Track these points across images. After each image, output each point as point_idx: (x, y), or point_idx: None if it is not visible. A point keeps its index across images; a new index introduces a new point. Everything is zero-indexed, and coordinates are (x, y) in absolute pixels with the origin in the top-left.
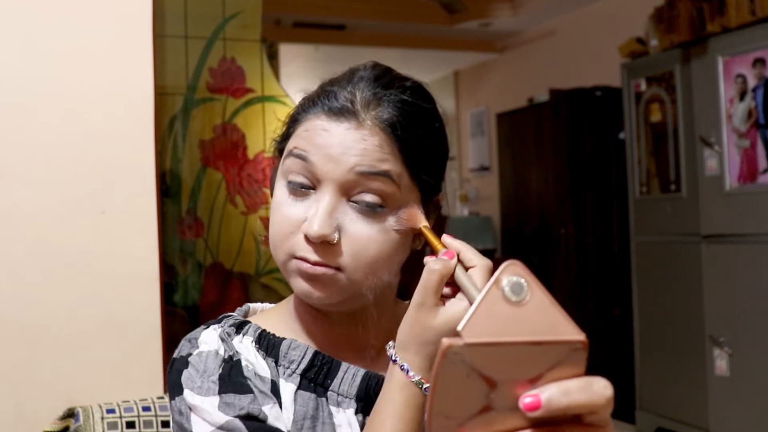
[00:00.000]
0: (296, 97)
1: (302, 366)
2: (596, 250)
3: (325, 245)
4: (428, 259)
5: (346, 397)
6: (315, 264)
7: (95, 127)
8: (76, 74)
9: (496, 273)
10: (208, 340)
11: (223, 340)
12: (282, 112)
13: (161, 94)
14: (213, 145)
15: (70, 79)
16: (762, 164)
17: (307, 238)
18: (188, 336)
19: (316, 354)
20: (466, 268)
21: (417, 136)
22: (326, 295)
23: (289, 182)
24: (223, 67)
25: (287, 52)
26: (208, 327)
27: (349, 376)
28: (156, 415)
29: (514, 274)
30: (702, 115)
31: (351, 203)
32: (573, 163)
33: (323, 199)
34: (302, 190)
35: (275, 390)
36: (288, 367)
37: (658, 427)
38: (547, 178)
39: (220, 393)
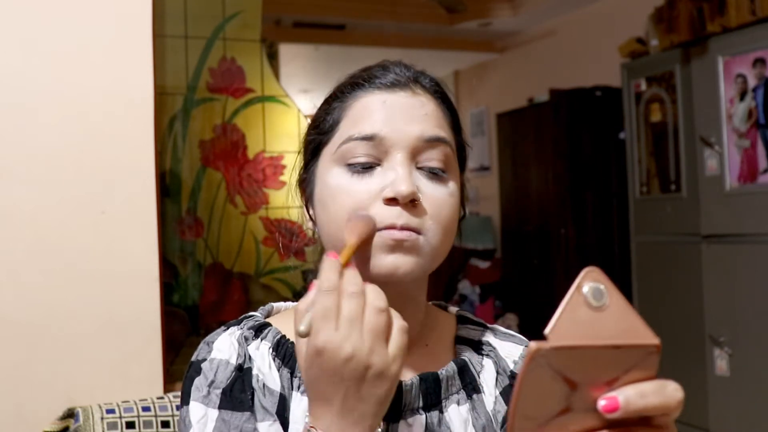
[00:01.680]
0: (296, 97)
1: None
2: (596, 250)
3: (409, 207)
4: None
5: None
6: (403, 228)
7: (95, 127)
8: (76, 74)
9: (578, 279)
10: (222, 346)
11: (238, 344)
12: (282, 112)
13: (161, 94)
14: (213, 145)
15: (70, 79)
16: (762, 164)
17: (389, 203)
18: (207, 338)
19: None
20: None
21: (454, 109)
22: (410, 265)
23: (351, 165)
24: (223, 67)
25: (287, 52)
26: (228, 328)
27: None
28: (156, 415)
29: (594, 280)
30: (702, 115)
31: (419, 169)
32: (573, 163)
33: (398, 164)
34: (367, 168)
35: (283, 404)
36: None
37: None
38: (547, 178)
39: (220, 408)
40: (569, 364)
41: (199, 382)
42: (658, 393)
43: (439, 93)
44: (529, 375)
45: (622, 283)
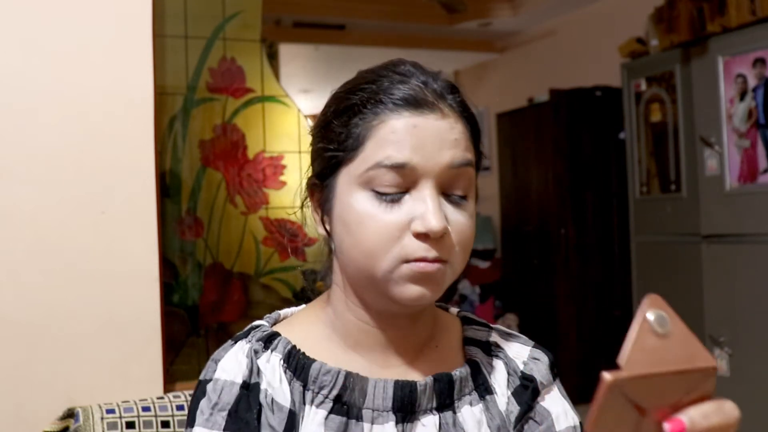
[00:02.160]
0: (296, 97)
1: (334, 392)
2: (596, 250)
3: (439, 240)
4: None
5: (383, 411)
6: (433, 261)
7: (95, 127)
8: (76, 74)
9: (642, 307)
10: (228, 365)
11: (248, 358)
12: (282, 112)
13: (161, 94)
14: (213, 145)
15: (70, 80)
16: (762, 164)
17: (419, 237)
18: (214, 355)
19: (347, 376)
20: None
21: (476, 122)
22: (433, 293)
23: (379, 192)
24: (223, 67)
25: (287, 52)
26: (235, 343)
27: (380, 389)
28: (156, 415)
29: (657, 307)
30: (702, 115)
31: (444, 195)
32: (573, 163)
33: (427, 195)
34: (396, 196)
35: (292, 420)
36: (318, 393)
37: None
38: (547, 178)
39: (224, 429)
40: (640, 391)
41: (203, 404)
42: (718, 412)
43: (464, 109)
44: (604, 405)
45: (622, 283)
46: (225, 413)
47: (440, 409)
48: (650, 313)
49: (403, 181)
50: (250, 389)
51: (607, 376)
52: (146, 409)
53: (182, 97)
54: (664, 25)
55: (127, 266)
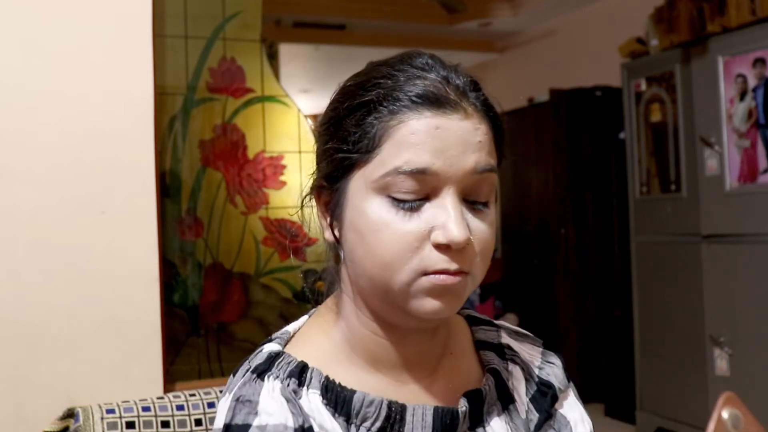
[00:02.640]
0: (296, 97)
1: (377, 424)
2: (596, 250)
3: (461, 251)
4: None
5: None
6: (455, 273)
7: (95, 127)
8: (76, 74)
9: (719, 405)
10: (272, 408)
11: (288, 400)
12: (282, 112)
13: (161, 94)
14: (213, 145)
15: (70, 80)
16: (762, 164)
17: (440, 248)
18: (238, 393)
19: (390, 406)
20: None
21: (500, 121)
22: (453, 307)
23: (397, 199)
24: (223, 67)
25: (287, 52)
26: (259, 376)
27: (419, 417)
28: (156, 416)
29: (732, 406)
30: (702, 115)
31: (466, 202)
32: (573, 163)
33: (449, 203)
34: (416, 203)
35: None
36: (360, 425)
37: (658, 427)
38: (547, 178)
39: None
40: None
41: None
42: None
43: (488, 108)
44: None
45: (622, 283)
46: None
47: (472, 427)
48: (725, 411)
49: (423, 187)
50: None
51: None
52: (146, 409)
53: (182, 97)
54: (664, 25)
55: (127, 266)
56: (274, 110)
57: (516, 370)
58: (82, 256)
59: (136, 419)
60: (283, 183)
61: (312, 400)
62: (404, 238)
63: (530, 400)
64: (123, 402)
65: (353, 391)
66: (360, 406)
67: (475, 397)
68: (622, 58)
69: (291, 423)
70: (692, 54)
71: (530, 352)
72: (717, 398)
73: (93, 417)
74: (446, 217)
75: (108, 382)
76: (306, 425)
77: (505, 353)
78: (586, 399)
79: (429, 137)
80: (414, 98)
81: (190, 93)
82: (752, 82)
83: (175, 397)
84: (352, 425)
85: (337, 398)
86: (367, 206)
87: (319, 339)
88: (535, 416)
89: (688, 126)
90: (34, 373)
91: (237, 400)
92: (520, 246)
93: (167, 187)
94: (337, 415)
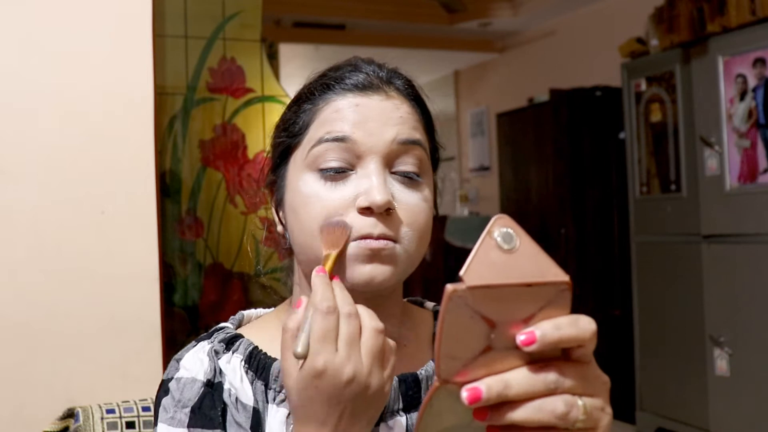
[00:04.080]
0: None
1: None
2: (596, 250)
3: (384, 216)
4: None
5: None
6: (379, 237)
7: (95, 127)
8: (76, 74)
9: (488, 225)
10: (189, 364)
11: (209, 358)
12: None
13: (161, 94)
14: (213, 145)
15: (70, 80)
16: (762, 164)
17: (364, 213)
18: (176, 355)
19: None
20: None
21: (428, 110)
22: (387, 275)
23: (323, 169)
24: (223, 67)
25: (287, 52)
26: (197, 343)
27: None
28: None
29: (504, 225)
30: (702, 115)
31: (393, 174)
32: (573, 163)
33: (372, 172)
34: (341, 173)
35: (257, 419)
36: (280, 392)
37: (658, 427)
38: (547, 178)
39: (189, 426)
40: (486, 303)
41: (166, 402)
42: (572, 325)
43: (413, 95)
44: (448, 316)
45: (622, 283)
46: (188, 410)
47: (407, 410)
48: (496, 230)
49: (348, 157)
50: (213, 388)
51: (448, 286)
52: (146, 409)
53: (182, 97)
54: (664, 25)
55: (128, 266)
56: (274, 110)
57: None
58: (82, 256)
59: (136, 419)
60: None
61: (232, 362)
62: (330, 205)
63: None
64: (123, 402)
65: (274, 359)
66: (278, 373)
67: (410, 381)
68: (622, 58)
69: (201, 377)
70: (692, 54)
71: None
72: (718, 398)
73: (93, 417)
74: (369, 183)
75: (108, 382)
76: (216, 381)
77: None
78: None
79: (350, 112)
80: (342, 86)
81: (190, 93)
82: (752, 82)
83: None
84: (272, 390)
85: (258, 364)
86: (300, 183)
87: (268, 323)
88: None
89: (688, 126)
90: (34, 373)
91: (174, 359)
92: None
93: (167, 187)
94: (257, 379)
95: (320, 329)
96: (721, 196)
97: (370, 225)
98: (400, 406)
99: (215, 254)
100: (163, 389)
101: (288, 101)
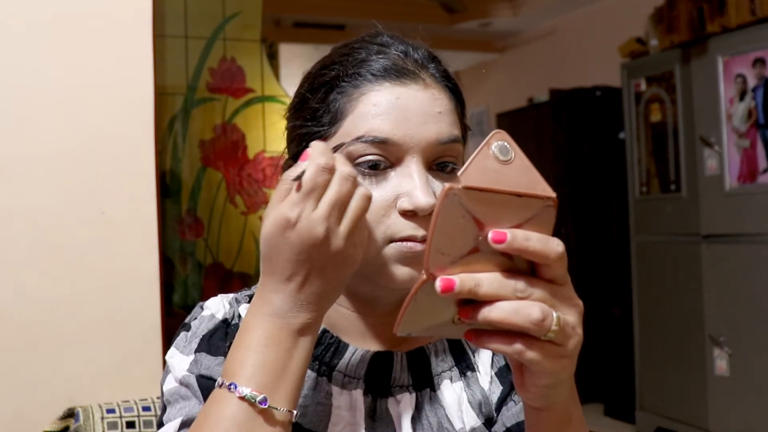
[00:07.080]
0: None
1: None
2: (596, 250)
3: (427, 218)
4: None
5: (354, 378)
6: (423, 240)
7: (95, 127)
8: (76, 74)
9: (487, 138)
10: (212, 305)
11: (230, 305)
12: (282, 112)
13: (161, 94)
14: (213, 145)
15: (70, 80)
16: (762, 164)
17: (406, 215)
18: (202, 302)
19: (323, 333)
20: None
21: (461, 94)
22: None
23: (360, 164)
24: (223, 67)
25: (287, 52)
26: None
27: (357, 356)
28: (156, 415)
29: (501, 139)
30: (702, 115)
31: (432, 171)
32: (573, 163)
33: (414, 170)
34: (378, 169)
35: None
36: None
37: (658, 427)
38: (547, 178)
39: (196, 351)
40: (478, 204)
41: (184, 335)
42: (541, 241)
43: (447, 80)
44: (443, 211)
45: (622, 283)
46: (200, 337)
47: (418, 387)
48: (494, 143)
49: (387, 155)
50: (228, 325)
51: (446, 184)
52: (146, 408)
53: (182, 97)
54: (664, 25)
55: (127, 266)
56: (274, 110)
57: None
58: (82, 256)
59: (136, 419)
60: None
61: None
62: (371, 207)
63: (495, 373)
64: (123, 402)
65: None
66: None
67: (417, 355)
68: (622, 58)
69: (219, 315)
70: (692, 54)
71: None
72: (718, 398)
73: (93, 417)
74: (412, 184)
75: (108, 381)
76: (233, 322)
77: None
78: (585, 399)
79: (389, 108)
80: (375, 72)
81: (190, 93)
82: (752, 82)
83: None
84: None
85: None
86: None
87: None
88: (498, 389)
89: (688, 126)
90: (34, 373)
91: (198, 306)
92: None
93: (167, 187)
94: None
95: (309, 181)
96: (720, 196)
97: (413, 227)
98: (410, 382)
99: (215, 254)
100: (185, 328)
101: (288, 101)
